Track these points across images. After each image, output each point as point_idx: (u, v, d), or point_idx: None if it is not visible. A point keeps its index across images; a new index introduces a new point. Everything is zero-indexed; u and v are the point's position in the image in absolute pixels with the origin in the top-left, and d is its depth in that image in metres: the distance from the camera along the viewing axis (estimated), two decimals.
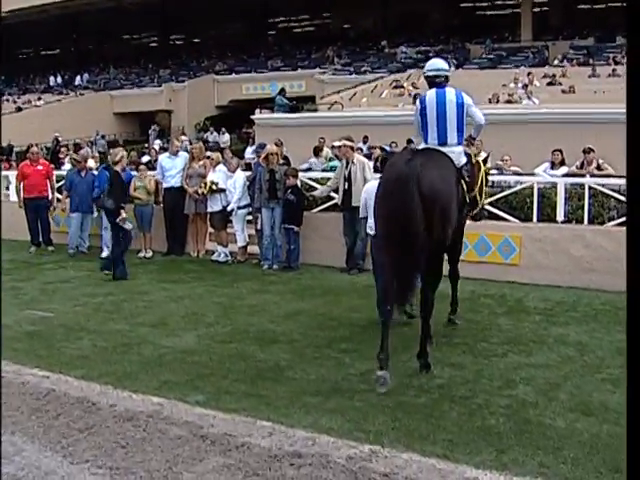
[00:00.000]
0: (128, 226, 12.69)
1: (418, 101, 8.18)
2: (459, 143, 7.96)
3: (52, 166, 17.57)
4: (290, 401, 6.32)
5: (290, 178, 12.99)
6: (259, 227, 13.37)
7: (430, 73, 8.23)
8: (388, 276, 7.26)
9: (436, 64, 8.41)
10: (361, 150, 18.42)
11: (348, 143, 13.05)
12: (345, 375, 7.07)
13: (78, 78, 54.21)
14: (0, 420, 5.85)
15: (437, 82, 8.08)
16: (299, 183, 13.43)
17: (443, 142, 7.82)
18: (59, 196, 16.22)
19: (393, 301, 7.07)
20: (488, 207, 12.60)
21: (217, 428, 5.70)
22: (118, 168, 13.02)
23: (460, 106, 7.86)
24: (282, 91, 29.32)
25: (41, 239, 15.89)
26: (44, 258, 14.87)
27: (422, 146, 8.06)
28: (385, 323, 7.04)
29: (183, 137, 34.99)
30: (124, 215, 12.52)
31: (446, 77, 8.26)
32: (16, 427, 5.85)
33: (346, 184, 12.65)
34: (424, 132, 7.97)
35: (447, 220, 7.25)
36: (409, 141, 20.36)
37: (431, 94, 7.92)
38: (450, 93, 7.91)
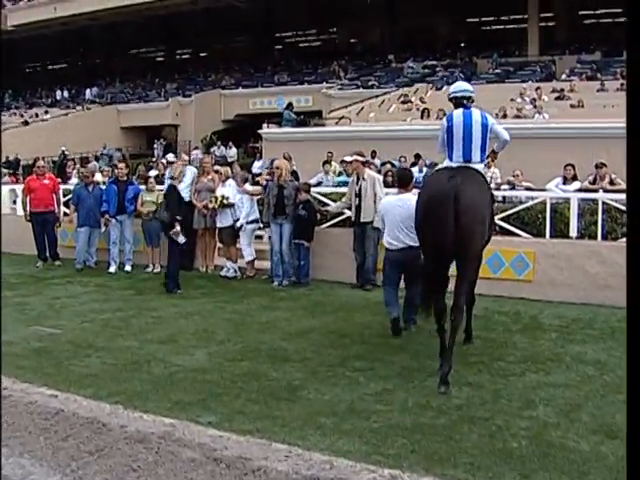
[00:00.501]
0: (181, 239, 12.66)
1: (445, 119, 8.45)
2: (481, 161, 8.24)
3: (59, 180, 17.47)
4: (305, 422, 6.15)
5: (302, 193, 12.84)
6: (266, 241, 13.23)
7: (457, 94, 8.46)
8: (430, 285, 7.93)
9: (462, 86, 8.73)
10: (375, 165, 18.25)
11: (359, 158, 12.93)
12: (360, 395, 6.89)
13: (88, 91, 54.24)
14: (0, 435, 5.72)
15: (463, 103, 8.33)
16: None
17: (467, 160, 8.07)
18: (66, 210, 16.10)
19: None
20: (500, 222, 12.52)
21: (231, 451, 5.53)
22: (176, 182, 13.16)
23: (484, 126, 8.12)
24: (290, 106, 29.24)
25: (48, 254, 15.74)
26: (51, 273, 14.72)
27: (447, 162, 8.31)
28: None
29: (195, 151, 35.25)
30: (177, 228, 12.54)
31: (470, 98, 8.47)
32: (24, 448, 5.68)
33: (357, 200, 12.51)
34: (449, 149, 8.21)
35: (484, 235, 7.92)
36: (417, 156, 20.42)
37: (458, 113, 8.19)
38: (476, 114, 8.18)
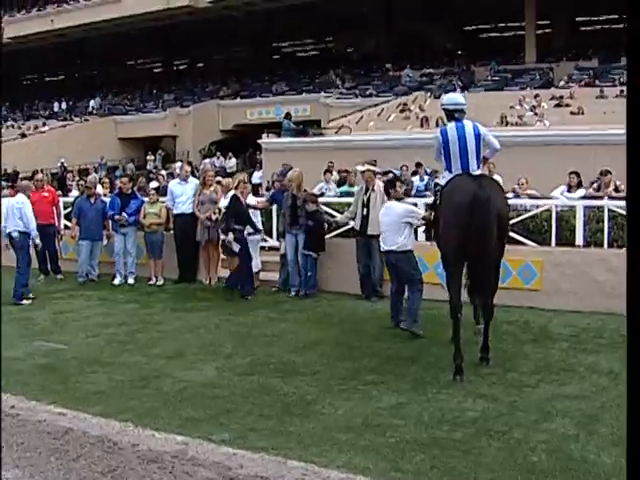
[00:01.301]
0: (236, 247, 12.72)
1: (439, 133, 8.79)
2: (478, 168, 8.68)
3: (59, 192, 17.36)
4: (320, 438, 6.04)
5: (310, 203, 12.73)
6: (282, 252, 13.09)
7: (450, 107, 8.91)
8: (456, 285, 8.42)
9: (455, 99, 9.26)
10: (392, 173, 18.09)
11: (372, 168, 12.88)
12: (374, 409, 6.79)
13: (92, 102, 54.16)
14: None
15: (455, 116, 8.77)
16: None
17: (465, 169, 8.55)
18: (67, 223, 15.97)
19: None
20: None
21: (247, 469, 5.42)
22: (238, 192, 13.22)
23: (477, 137, 8.61)
24: (288, 115, 29.16)
25: (49, 267, 15.59)
26: (54, 287, 14.59)
27: (447, 173, 8.75)
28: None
29: (206, 160, 35.47)
30: (230, 237, 12.71)
31: (463, 110, 8.91)
32: (35, 469, 5.56)
33: (364, 210, 12.39)
34: (447, 162, 8.69)
35: (506, 236, 8.84)
36: (418, 164, 20.34)
37: (452, 128, 8.64)
38: (468, 126, 8.64)
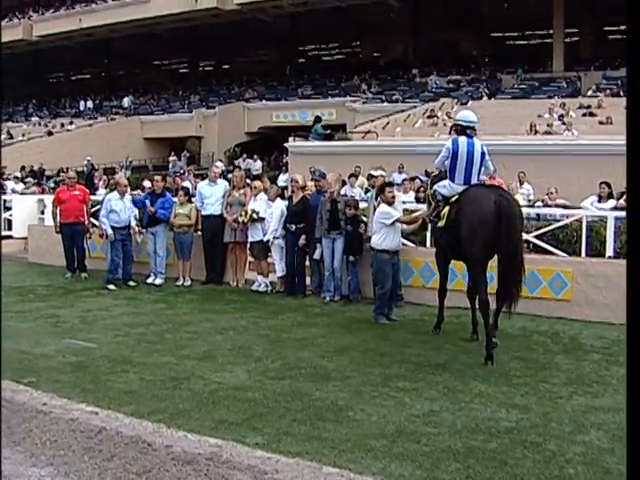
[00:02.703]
0: (317, 255, 13.07)
1: (450, 144, 9.53)
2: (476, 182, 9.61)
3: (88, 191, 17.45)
4: (354, 444, 6.00)
5: (351, 208, 12.68)
6: (316, 257, 13.07)
7: (464, 124, 9.71)
8: (484, 286, 9.15)
9: (468, 116, 9.96)
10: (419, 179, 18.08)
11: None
12: (408, 416, 6.74)
13: (125, 100, 54.37)
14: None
15: (467, 132, 9.60)
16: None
17: (467, 182, 9.46)
18: (94, 222, 16.00)
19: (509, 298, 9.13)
20: (535, 241, 12.38)
21: (282, 474, 5.39)
22: (307, 193, 13.58)
23: (482, 155, 9.56)
24: (318, 119, 29.10)
25: (76, 265, 15.67)
26: (81, 285, 14.68)
27: (447, 182, 9.62)
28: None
29: (249, 160, 35.73)
30: (302, 240, 12.99)
31: (474, 128, 9.78)
32: (70, 468, 5.56)
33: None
34: (452, 171, 9.51)
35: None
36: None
37: (463, 141, 9.47)
38: (477, 144, 9.55)
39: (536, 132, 25.34)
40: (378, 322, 11.12)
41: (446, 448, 5.97)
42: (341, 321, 11.25)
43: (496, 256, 9.14)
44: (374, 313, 11.31)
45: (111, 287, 14.08)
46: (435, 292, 11.55)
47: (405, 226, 11.48)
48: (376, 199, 11.89)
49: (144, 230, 14.91)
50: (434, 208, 9.93)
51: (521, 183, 17.59)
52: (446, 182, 9.69)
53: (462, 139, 9.51)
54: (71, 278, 15.37)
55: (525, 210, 13.96)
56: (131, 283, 14.49)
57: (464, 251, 9.33)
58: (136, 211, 14.74)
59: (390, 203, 11.40)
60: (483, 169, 9.74)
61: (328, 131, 29.00)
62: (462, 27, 47.34)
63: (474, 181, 9.52)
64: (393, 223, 11.19)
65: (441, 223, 9.64)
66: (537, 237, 12.47)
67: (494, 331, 9.27)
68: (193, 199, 15.03)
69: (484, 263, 9.21)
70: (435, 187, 10.02)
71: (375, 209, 12.12)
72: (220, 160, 36.19)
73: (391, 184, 11.94)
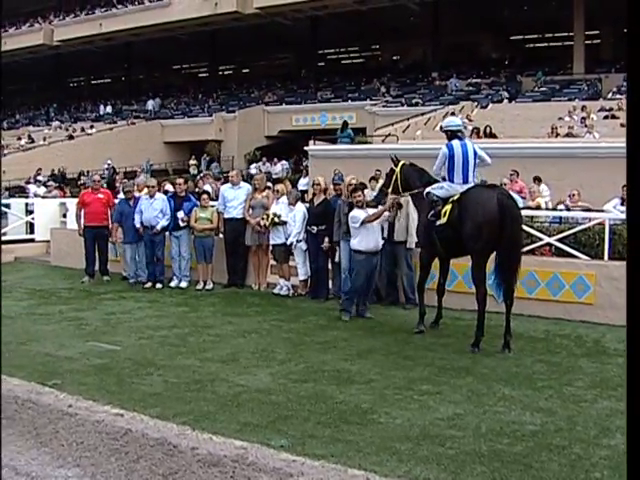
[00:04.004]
0: (337, 259, 13.05)
1: (446, 148, 10.19)
2: (474, 180, 10.30)
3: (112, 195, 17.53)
4: (379, 447, 6.01)
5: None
6: (337, 259, 13.07)
7: (453, 128, 10.53)
8: (483, 282, 9.82)
9: (454, 121, 11.20)
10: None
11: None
12: (432, 420, 6.74)
13: (150, 102, 54.61)
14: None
15: (458, 135, 10.41)
16: None
17: (465, 181, 10.12)
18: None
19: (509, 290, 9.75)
20: (557, 244, 12.34)
21: (308, 476, 5.40)
22: (328, 195, 13.75)
23: (475, 154, 10.26)
24: (346, 124, 29.31)
25: (98, 268, 15.75)
26: (103, 287, 14.78)
27: (446, 183, 10.23)
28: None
29: (282, 162, 36.01)
30: (326, 243, 12.99)
31: (462, 131, 10.79)
32: (97, 469, 5.60)
33: (390, 217, 12.39)
34: (450, 173, 10.17)
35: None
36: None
37: (456, 144, 10.19)
38: (469, 145, 10.36)
39: (557, 135, 25.26)
40: (342, 318, 11.58)
41: (471, 451, 5.96)
42: (363, 324, 11.24)
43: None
44: (340, 309, 11.87)
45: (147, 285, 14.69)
46: (455, 295, 11.63)
47: (375, 223, 11.61)
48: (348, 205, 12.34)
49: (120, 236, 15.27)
50: (430, 209, 10.25)
51: (539, 184, 17.50)
52: (443, 184, 10.29)
53: (455, 142, 10.25)
54: (88, 282, 15.39)
55: (546, 213, 14.03)
56: (158, 285, 14.60)
57: (467, 247, 9.89)
58: (168, 214, 14.67)
59: (359, 206, 11.73)
60: (477, 166, 10.37)
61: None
62: (482, 30, 47.28)
63: (471, 179, 10.22)
64: (363, 224, 11.46)
65: (442, 221, 10.03)
66: (559, 240, 12.44)
67: (508, 336, 9.59)
68: (213, 202, 15.07)
69: (487, 258, 9.85)
70: (429, 189, 10.35)
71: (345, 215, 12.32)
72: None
73: (357, 189, 11.96)
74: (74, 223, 16.59)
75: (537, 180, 17.65)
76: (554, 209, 14.95)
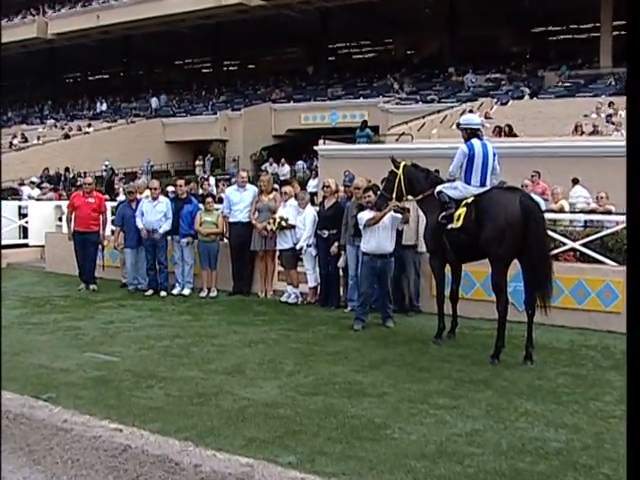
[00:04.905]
0: (341, 263, 13.12)
1: (466, 147, 10.10)
2: (491, 183, 10.22)
3: (106, 197, 17.49)
4: (394, 465, 5.98)
5: None
6: (340, 265, 13.07)
7: (473, 126, 10.43)
8: (505, 289, 9.79)
9: (473, 119, 10.93)
10: None
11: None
12: (449, 435, 6.72)
13: (154, 100, 54.75)
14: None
15: (477, 134, 10.30)
16: None
17: (483, 184, 10.07)
18: (114, 228, 16.09)
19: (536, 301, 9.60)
20: (582, 249, 12.30)
21: None
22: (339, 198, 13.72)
23: (494, 156, 10.23)
24: (365, 122, 29.48)
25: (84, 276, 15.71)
26: (101, 295, 14.80)
27: (460, 183, 10.13)
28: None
29: (300, 162, 36.17)
30: (334, 248, 13.04)
31: (480, 130, 10.56)
32: None
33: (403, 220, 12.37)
34: (468, 174, 10.07)
35: None
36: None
37: (477, 144, 10.11)
38: (489, 145, 10.27)
39: (582, 133, 25.17)
40: (353, 328, 11.56)
41: (491, 470, 5.93)
42: (376, 334, 11.25)
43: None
44: (355, 317, 11.89)
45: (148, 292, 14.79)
46: (472, 303, 11.60)
47: (381, 223, 11.56)
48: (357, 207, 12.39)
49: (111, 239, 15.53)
50: (440, 211, 10.19)
51: (576, 184, 17.45)
52: (456, 184, 10.22)
53: (475, 141, 10.18)
54: (85, 289, 15.43)
55: (570, 216, 13.97)
56: (162, 293, 14.65)
57: (487, 252, 9.80)
58: (169, 217, 14.70)
59: (370, 207, 11.75)
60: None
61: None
62: (501, 22, 47.04)
63: (488, 182, 10.17)
64: (369, 225, 11.55)
65: (457, 224, 9.94)
66: (585, 245, 12.39)
67: (530, 347, 9.56)
68: (218, 205, 15.08)
69: (508, 264, 9.78)
70: (440, 188, 10.30)
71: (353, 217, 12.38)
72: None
73: (368, 189, 11.95)
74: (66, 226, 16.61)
75: (574, 182, 17.57)
76: (581, 212, 14.86)
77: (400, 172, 10.93)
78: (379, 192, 11.49)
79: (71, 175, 39.20)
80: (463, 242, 9.96)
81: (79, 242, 15.58)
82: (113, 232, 16.13)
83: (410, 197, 11.17)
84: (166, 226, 14.59)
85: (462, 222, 9.85)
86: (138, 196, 15.51)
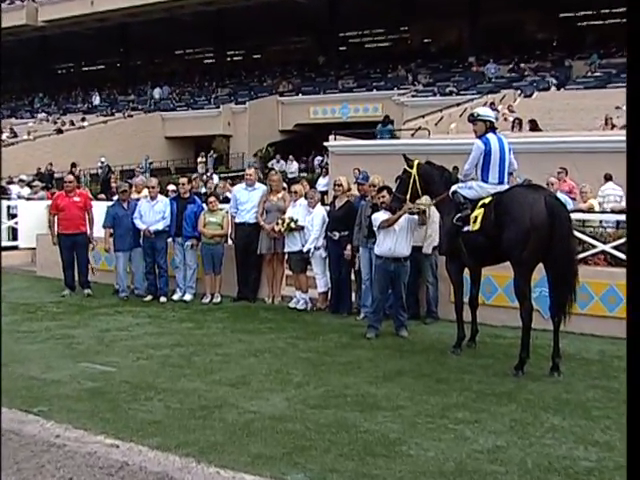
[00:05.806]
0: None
1: (481, 142, 10.08)
2: (508, 181, 10.34)
3: (90, 197, 17.42)
4: None
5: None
6: (357, 268, 13.08)
7: (489, 119, 10.40)
8: (529, 295, 9.67)
9: (488, 112, 10.83)
10: None
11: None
12: (469, 452, 6.70)
13: (157, 91, 54.81)
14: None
15: (493, 127, 10.36)
16: None
17: (501, 182, 10.12)
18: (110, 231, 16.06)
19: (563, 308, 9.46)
20: (613, 252, 12.26)
21: None
22: (351, 197, 13.78)
23: (510, 151, 10.25)
24: (388, 118, 29.52)
25: (77, 281, 15.67)
26: (96, 301, 14.81)
27: (476, 182, 10.18)
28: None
29: (319, 157, 36.42)
30: (348, 251, 13.03)
31: (494, 123, 10.54)
32: None
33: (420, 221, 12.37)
34: (484, 171, 10.11)
35: None
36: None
37: (493, 138, 10.11)
38: (504, 140, 10.29)
39: (613, 126, 25.12)
40: (366, 336, 11.56)
41: None
42: (390, 343, 11.24)
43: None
44: (368, 324, 11.91)
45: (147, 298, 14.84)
46: (494, 309, 11.56)
47: (396, 225, 11.51)
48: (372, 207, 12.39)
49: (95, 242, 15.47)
50: (456, 212, 10.19)
51: (608, 180, 17.37)
52: (472, 183, 10.27)
53: (491, 136, 10.17)
54: (69, 296, 15.38)
55: (601, 216, 13.93)
56: (162, 299, 14.68)
57: (510, 256, 9.70)
58: (167, 218, 14.74)
59: (385, 208, 11.70)
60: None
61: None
62: (526, 7, 46.76)
63: (506, 179, 10.21)
64: (382, 227, 11.54)
65: (474, 227, 9.91)
66: (616, 248, 12.35)
67: (557, 357, 9.50)
68: (223, 205, 15.09)
69: (532, 269, 9.67)
70: (455, 188, 10.29)
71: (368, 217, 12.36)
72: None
73: (382, 188, 11.92)
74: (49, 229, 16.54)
75: (607, 178, 17.46)
76: (612, 212, 14.79)
77: (414, 171, 10.85)
78: (393, 193, 11.41)
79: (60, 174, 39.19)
80: (481, 245, 9.91)
81: (67, 246, 15.48)
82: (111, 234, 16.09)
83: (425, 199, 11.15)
84: (159, 226, 14.62)
85: (479, 224, 9.81)
86: (135, 196, 15.50)
